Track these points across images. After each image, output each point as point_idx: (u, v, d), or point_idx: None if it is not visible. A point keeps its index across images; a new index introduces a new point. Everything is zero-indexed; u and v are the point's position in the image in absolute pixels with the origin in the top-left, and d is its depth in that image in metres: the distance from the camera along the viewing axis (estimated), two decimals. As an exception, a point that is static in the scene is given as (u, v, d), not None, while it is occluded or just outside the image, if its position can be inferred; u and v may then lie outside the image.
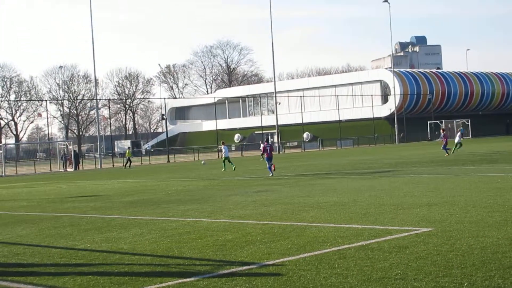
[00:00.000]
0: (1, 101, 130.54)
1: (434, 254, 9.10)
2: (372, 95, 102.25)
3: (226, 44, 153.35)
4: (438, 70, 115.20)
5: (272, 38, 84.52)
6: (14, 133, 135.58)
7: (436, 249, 9.44)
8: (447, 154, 40.52)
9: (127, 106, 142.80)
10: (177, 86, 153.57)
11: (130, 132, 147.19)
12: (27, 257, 10.97)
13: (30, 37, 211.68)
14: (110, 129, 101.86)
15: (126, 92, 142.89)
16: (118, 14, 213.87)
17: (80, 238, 12.76)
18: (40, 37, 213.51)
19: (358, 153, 60.36)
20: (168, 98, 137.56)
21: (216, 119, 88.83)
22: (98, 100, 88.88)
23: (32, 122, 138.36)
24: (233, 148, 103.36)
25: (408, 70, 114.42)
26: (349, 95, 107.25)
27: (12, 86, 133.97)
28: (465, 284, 7.36)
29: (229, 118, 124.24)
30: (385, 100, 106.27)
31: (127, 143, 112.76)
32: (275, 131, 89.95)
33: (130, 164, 58.94)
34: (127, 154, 61.12)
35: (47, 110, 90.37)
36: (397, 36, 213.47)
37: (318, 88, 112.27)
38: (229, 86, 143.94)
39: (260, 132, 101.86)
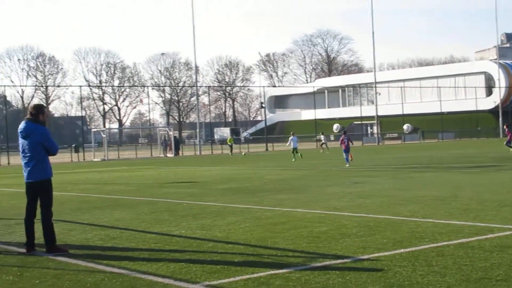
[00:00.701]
0: (106, 86, 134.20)
1: (539, 255, 8.65)
2: (475, 87, 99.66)
3: (326, 33, 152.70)
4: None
5: (373, 27, 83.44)
6: (118, 118, 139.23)
7: (541, 250, 8.99)
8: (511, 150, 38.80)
9: (227, 93, 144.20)
10: (277, 75, 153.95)
11: (230, 120, 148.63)
12: (123, 241, 11.09)
13: (134, 25, 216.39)
14: (210, 116, 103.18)
15: (226, 80, 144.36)
16: (219, 3, 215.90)
17: (175, 224, 12.83)
18: (143, 25, 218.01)
19: (460, 146, 58.93)
20: (268, 86, 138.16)
21: (315, 109, 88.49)
22: (198, 87, 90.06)
23: (134, 107, 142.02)
24: (331, 138, 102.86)
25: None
26: (452, 86, 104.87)
27: (116, 72, 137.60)
28: None
29: (328, 107, 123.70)
30: (489, 92, 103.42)
31: (226, 131, 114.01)
32: (375, 121, 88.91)
33: (232, 150, 58.74)
34: (228, 140, 60.96)
35: (148, 96, 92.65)
36: (504, 27, 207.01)
37: (420, 79, 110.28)
38: (329, 76, 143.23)
39: (360, 122, 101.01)
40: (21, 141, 10.34)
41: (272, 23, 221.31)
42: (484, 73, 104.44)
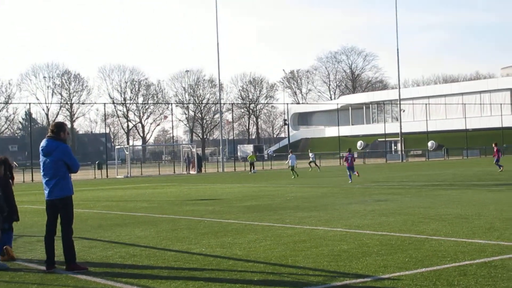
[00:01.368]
0: (130, 103, 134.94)
1: None
2: (501, 104, 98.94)
3: (350, 50, 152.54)
4: None
5: (398, 44, 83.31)
6: (141, 135, 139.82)
7: None
8: (500, 170, 38.84)
9: (250, 110, 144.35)
10: (301, 92, 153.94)
11: (253, 137, 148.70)
12: (143, 258, 11.07)
13: (159, 42, 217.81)
14: (233, 133, 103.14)
15: (250, 97, 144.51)
16: (244, 20, 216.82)
17: (195, 242, 12.78)
18: (168, 42, 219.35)
19: (485, 163, 58.42)
20: (292, 103, 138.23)
21: (338, 126, 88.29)
22: (222, 104, 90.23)
23: (158, 124, 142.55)
24: (356, 155, 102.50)
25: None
26: (477, 103, 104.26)
27: (140, 89, 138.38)
28: None
29: (352, 124, 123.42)
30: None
31: (249, 148, 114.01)
32: (399, 138, 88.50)
33: (253, 168, 57.32)
34: (249, 157, 59.97)
35: (172, 113, 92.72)
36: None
37: (445, 96, 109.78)
38: (353, 93, 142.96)
39: (384, 139, 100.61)
40: (42, 158, 10.37)
41: (297, 40, 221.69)
42: (510, 89, 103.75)
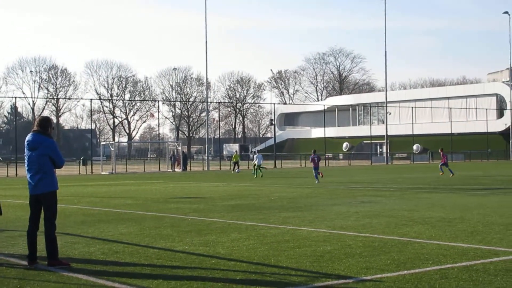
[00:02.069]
0: (117, 100, 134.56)
1: (544, 280, 8.55)
2: (487, 109, 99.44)
3: (338, 52, 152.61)
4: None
5: (386, 48, 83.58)
6: (127, 132, 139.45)
7: (546, 275, 8.88)
8: (442, 173, 40.37)
9: (237, 109, 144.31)
10: (288, 92, 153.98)
11: (239, 136, 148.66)
12: (125, 255, 11.04)
13: (147, 39, 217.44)
14: (219, 132, 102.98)
15: (237, 96, 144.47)
16: (233, 20, 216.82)
17: (179, 240, 12.77)
18: (156, 39, 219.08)
19: (470, 168, 58.73)
20: (278, 103, 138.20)
21: (325, 127, 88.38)
22: (209, 103, 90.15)
23: (144, 121, 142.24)
24: (340, 157, 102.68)
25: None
26: (463, 108, 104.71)
27: (127, 86, 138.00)
28: None
29: (338, 126, 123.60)
30: (500, 114, 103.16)
31: (235, 147, 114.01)
32: (385, 141, 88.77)
33: (238, 167, 57.17)
34: (233, 157, 59.67)
35: (159, 111, 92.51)
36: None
37: (431, 99, 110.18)
38: (340, 94, 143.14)
39: (369, 141, 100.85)
40: (27, 153, 10.32)
41: (285, 41, 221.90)
42: (496, 95, 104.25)
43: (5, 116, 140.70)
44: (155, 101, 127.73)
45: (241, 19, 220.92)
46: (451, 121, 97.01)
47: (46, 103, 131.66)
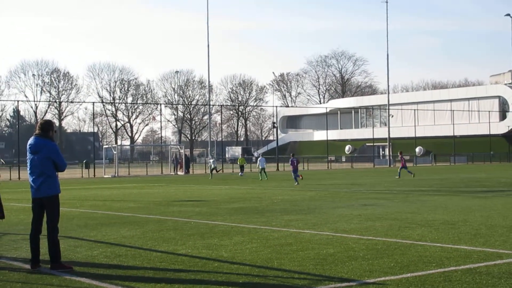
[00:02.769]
0: (119, 103, 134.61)
1: (547, 283, 8.52)
2: (489, 111, 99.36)
3: (341, 54, 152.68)
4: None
5: (388, 50, 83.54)
6: (130, 135, 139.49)
7: (550, 277, 8.85)
8: (398, 177, 41.12)
9: (239, 112, 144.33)
10: (290, 95, 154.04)
11: (242, 139, 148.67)
12: (128, 259, 11.03)
13: (149, 42, 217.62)
14: (222, 135, 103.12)
15: (239, 99, 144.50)
16: (235, 23, 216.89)
17: (181, 243, 12.76)
18: (158, 42, 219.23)
19: (472, 170, 58.63)
20: (281, 106, 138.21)
21: (327, 129, 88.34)
22: (211, 106, 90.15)
23: (147, 125, 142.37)
24: (343, 160, 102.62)
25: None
26: (465, 110, 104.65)
27: (129, 89, 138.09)
28: None
29: (341, 129, 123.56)
30: (503, 116, 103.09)
31: (238, 150, 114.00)
32: (387, 143, 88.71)
33: (242, 171, 56.43)
34: (239, 161, 58.34)
35: (161, 114, 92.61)
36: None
37: (433, 102, 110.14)
38: (342, 97, 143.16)
39: (372, 144, 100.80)
40: (29, 156, 10.31)
41: (287, 43, 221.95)
42: (499, 97, 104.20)
43: (7, 119, 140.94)
44: (158, 104, 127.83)
45: (243, 22, 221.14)
46: (453, 124, 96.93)
47: (48, 107, 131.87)
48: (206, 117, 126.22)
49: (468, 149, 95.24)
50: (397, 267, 9.76)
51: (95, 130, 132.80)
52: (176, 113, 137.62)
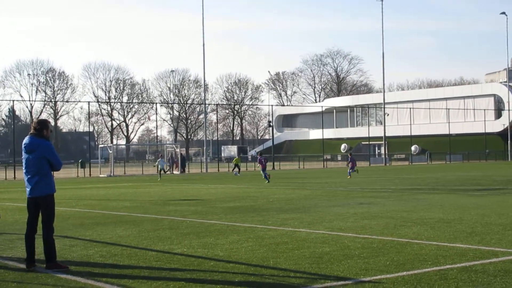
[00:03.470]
0: (114, 102, 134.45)
1: (543, 281, 8.53)
2: (485, 110, 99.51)
3: (336, 53, 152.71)
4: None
5: (383, 49, 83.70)
6: (125, 134, 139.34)
7: (545, 275, 8.86)
8: (350, 177, 41.45)
9: (235, 111, 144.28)
10: (286, 94, 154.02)
11: (237, 138, 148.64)
12: (124, 258, 11.02)
13: (145, 41, 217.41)
14: (217, 134, 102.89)
15: (235, 98, 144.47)
16: (230, 22, 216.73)
17: (177, 242, 12.75)
18: (154, 42, 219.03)
19: (468, 168, 58.71)
20: (276, 105, 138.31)
21: (323, 128, 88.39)
22: (207, 105, 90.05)
23: (142, 124, 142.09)
24: (339, 158, 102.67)
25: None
26: (461, 108, 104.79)
27: (125, 88, 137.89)
28: None
29: (336, 127, 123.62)
30: (498, 115, 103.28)
31: (233, 149, 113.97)
32: (383, 142, 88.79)
33: (238, 170, 56.13)
34: (235, 160, 57.88)
35: (157, 113, 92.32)
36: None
37: (429, 100, 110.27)
38: (338, 95, 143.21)
39: (367, 143, 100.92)
40: (24, 155, 10.30)
41: (283, 42, 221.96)
42: (494, 95, 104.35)
43: (3, 119, 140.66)
44: (153, 103, 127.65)
45: (239, 21, 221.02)
46: (449, 122, 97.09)
47: (44, 106, 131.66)
48: (201, 116, 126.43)
49: (464, 148, 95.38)
50: (393, 265, 9.77)
51: (91, 130, 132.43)
52: (171, 112, 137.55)
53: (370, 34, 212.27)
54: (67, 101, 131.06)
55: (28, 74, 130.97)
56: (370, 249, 11.31)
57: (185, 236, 13.69)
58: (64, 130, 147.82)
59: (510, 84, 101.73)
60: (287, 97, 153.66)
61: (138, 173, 61.96)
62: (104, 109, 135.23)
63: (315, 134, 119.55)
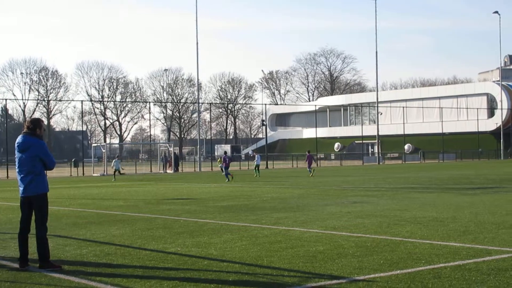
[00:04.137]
0: (108, 101, 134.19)
1: (536, 279, 8.55)
2: (477, 109, 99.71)
3: (329, 52, 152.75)
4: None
5: (377, 48, 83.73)
6: (118, 133, 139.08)
7: (539, 274, 8.88)
8: (312, 175, 42.91)
9: (228, 110, 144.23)
10: (279, 93, 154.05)
11: (231, 137, 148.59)
12: (117, 257, 11.00)
13: (138, 40, 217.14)
14: (211, 133, 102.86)
15: (228, 97, 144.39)
16: (224, 21, 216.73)
17: (171, 241, 12.74)
18: (147, 41, 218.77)
19: (461, 167, 58.82)
20: (270, 104, 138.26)
21: (316, 127, 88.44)
22: (200, 104, 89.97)
23: (136, 123, 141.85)
24: (332, 157, 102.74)
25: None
26: (454, 107, 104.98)
27: (118, 87, 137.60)
28: None
29: (330, 126, 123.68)
30: (491, 114, 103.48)
31: (227, 148, 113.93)
32: (376, 141, 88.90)
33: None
34: (219, 162, 55.10)
35: (150, 112, 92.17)
36: (507, 49, 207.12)
37: (422, 99, 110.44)
38: (331, 94, 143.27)
39: (361, 141, 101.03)
40: (17, 155, 10.27)
41: (276, 41, 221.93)
42: (487, 94, 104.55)
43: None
44: (146, 102, 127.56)
45: (232, 20, 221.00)
46: (442, 121, 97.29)
47: (37, 105, 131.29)
48: (195, 115, 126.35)
49: (457, 146, 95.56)
50: (387, 264, 9.78)
51: (84, 129, 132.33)
52: (165, 111, 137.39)
53: (364, 33, 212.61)
54: (60, 100, 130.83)
55: (21, 73, 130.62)
56: (364, 248, 11.32)
57: (179, 235, 13.68)
58: (57, 129, 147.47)
59: (503, 83, 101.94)
60: (280, 96, 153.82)
61: (131, 172, 61.85)
62: (97, 108, 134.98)
63: (308, 133, 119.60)
